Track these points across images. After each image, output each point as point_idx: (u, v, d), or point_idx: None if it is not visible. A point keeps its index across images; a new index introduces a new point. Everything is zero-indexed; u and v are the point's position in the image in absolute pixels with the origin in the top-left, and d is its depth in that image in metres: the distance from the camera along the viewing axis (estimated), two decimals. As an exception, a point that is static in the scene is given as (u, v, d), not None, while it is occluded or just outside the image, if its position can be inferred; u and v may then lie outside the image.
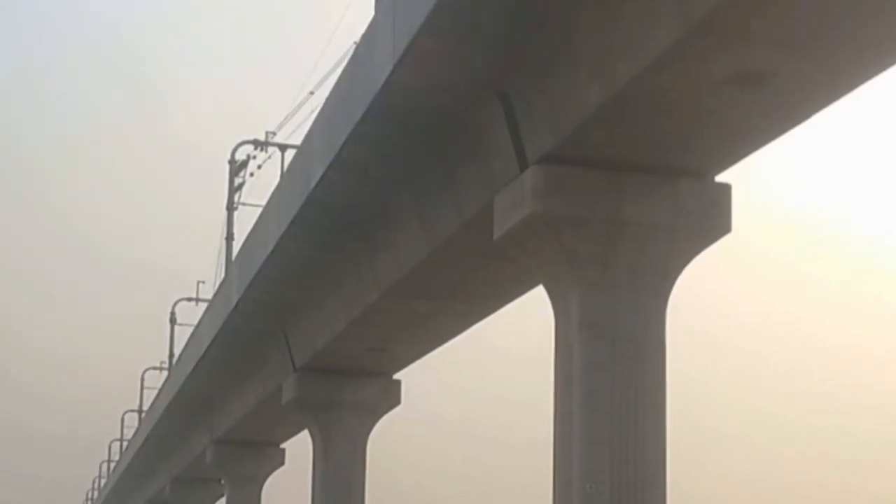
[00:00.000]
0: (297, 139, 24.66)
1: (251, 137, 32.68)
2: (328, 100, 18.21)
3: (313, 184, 18.74)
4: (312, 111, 24.81)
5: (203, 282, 47.67)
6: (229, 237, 33.47)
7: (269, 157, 32.43)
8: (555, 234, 14.27)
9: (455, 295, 20.89)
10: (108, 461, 79.49)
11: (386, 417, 27.85)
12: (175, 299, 53.23)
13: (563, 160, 14.14)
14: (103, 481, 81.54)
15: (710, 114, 13.16)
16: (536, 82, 13.88)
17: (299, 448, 34.49)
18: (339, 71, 17.93)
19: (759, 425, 56.71)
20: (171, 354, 52.47)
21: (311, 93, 26.34)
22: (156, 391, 50.41)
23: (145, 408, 59.53)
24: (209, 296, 35.39)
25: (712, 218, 14.83)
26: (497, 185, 15.26)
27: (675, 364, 14.64)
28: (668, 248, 14.57)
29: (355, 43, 17.41)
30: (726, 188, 15.00)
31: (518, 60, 13.79)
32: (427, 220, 18.18)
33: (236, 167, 32.86)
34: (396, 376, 27.25)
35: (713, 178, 14.93)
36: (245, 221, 31.67)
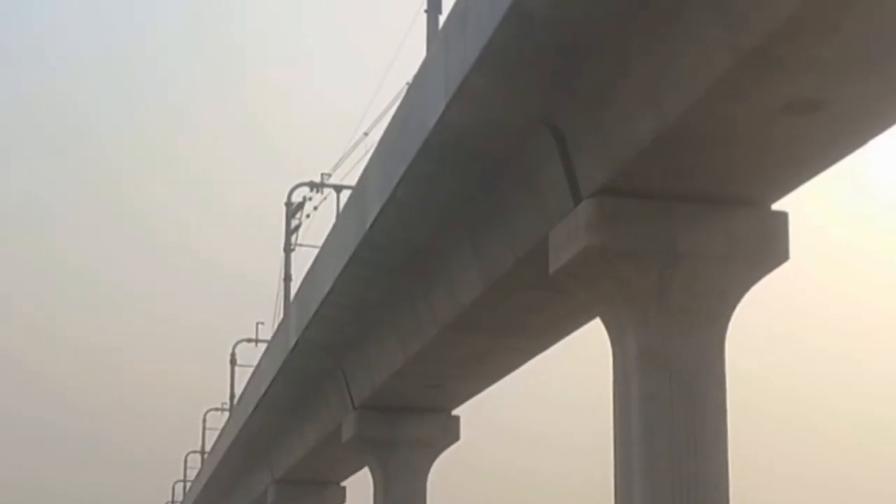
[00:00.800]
0: (352, 180, 24.93)
1: (307, 180, 33.16)
2: (382, 140, 18.43)
3: (369, 223, 18.94)
4: (367, 152, 25.12)
5: (262, 323, 48.07)
6: (287, 278, 33.81)
7: (325, 199, 32.85)
8: (610, 267, 14.32)
9: (512, 330, 20.95)
10: (172, 502, 80.00)
11: (446, 453, 27.91)
12: (235, 341, 53.72)
13: (617, 192, 14.20)
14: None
15: (766, 142, 13.18)
16: (588, 115, 13.98)
17: (360, 486, 34.61)
18: (393, 111, 18.16)
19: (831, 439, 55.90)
20: (232, 395, 52.84)
21: (365, 134, 26.71)
22: (218, 432, 50.77)
23: (207, 448, 59.92)
24: (268, 336, 35.68)
25: (769, 246, 14.80)
26: (551, 219, 15.35)
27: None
28: (725, 278, 14.56)
29: (407, 83, 17.65)
30: (783, 216, 14.97)
31: (569, 93, 13.90)
32: (482, 256, 18.29)
33: (293, 209, 33.27)
34: (455, 412, 27.30)
35: (769, 207, 14.91)
36: (302, 262, 32.04)
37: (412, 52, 19.83)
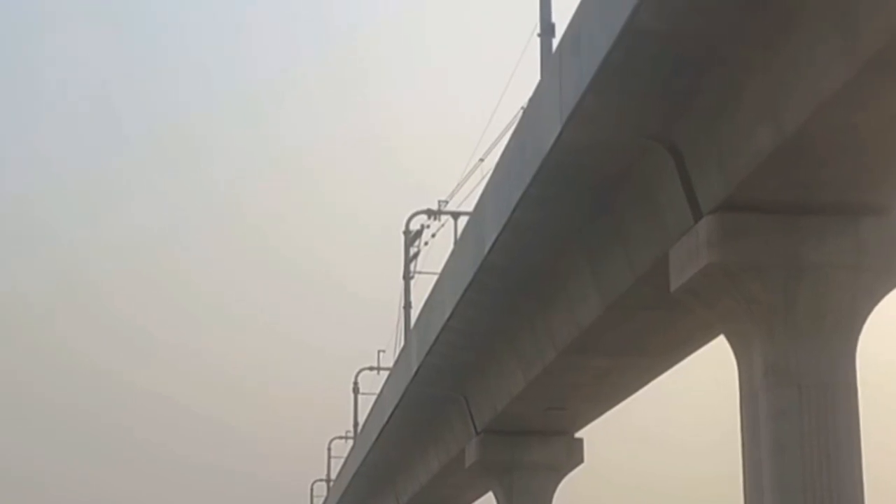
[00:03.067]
0: (469, 206, 25.09)
1: (424, 207, 33.45)
2: (498, 165, 18.54)
3: (487, 248, 19.04)
4: (483, 178, 25.22)
5: (383, 351, 48.45)
6: (407, 306, 34.11)
7: (443, 226, 33.10)
8: (734, 283, 14.16)
9: (633, 350, 20.82)
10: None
11: (571, 476, 27.79)
12: (357, 369, 54.23)
13: (738, 207, 14.06)
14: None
15: (890, 148, 12.94)
16: (706, 130, 13.89)
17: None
18: (508, 136, 18.27)
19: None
20: (356, 423, 53.29)
21: (481, 160, 26.87)
22: (342, 460, 51.23)
23: (333, 476, 60.48)
24: (390, 364, 35.98)
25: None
26: (670, 237, 15.26)
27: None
28: (854, 289, 14.28)
29: (522, 107, 17.74)
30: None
31: (685, 109, 13.84)
32: (600, 277, 18.24)
33: (411, 237, 33.57)
34: (578, 434, 27.19)
35: (897, 214, 14.61)
36: (421, 290, 32.27)
37: (526, 77, 19.91)
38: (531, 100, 16.38)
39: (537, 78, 16.78)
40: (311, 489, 73.04)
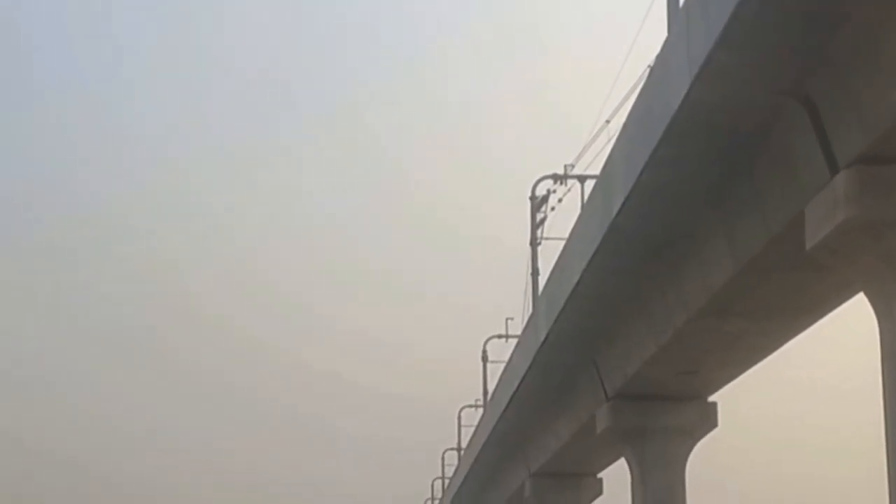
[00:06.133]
0: (596, 169, 24.82)
1: (550, 172, 33.21)
2: (625, 126, 18.29)
3: (615, 211, 18.83)
4: (609, 140, 24.93)
5: (511, 318, 48.49)
6: (534, 272, 33.98)
7: (569, 190, 32.85)
8: (874, 238, 13.75)
9: (767, 311, 20.42)
10: (432, 499, 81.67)
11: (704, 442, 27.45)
12: (485, 338, 54.38)
13: (877, 160, 13.62)
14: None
15: None
16: (841, 82, 13.47)
17: (617, 478, 34.41)
18: (634, 97, 18.00)
19: None
20: (485, 392, 53.54)
21: (607, 121, 26.52)
22: (472, 428, 51.50)
23: (463, 445, 60.88)
24: (518, 332, 35.96)
25: None
26: (806, 193, 14.88)
27: None
28: None
29: (649, 66, 17.45)
30: None
31: (819, 62, 13.44)
32: (733, 237, 17.91)
33: (537, 202, 33.39)
34: (712, 398, 26.83)
35: None
36: (548, 256, 32.12)
37: (652, 33, 19.59)
38: (658, 57, 16.11)
39: (664, 34, 16.47)
40: (443, 458, 73.72)
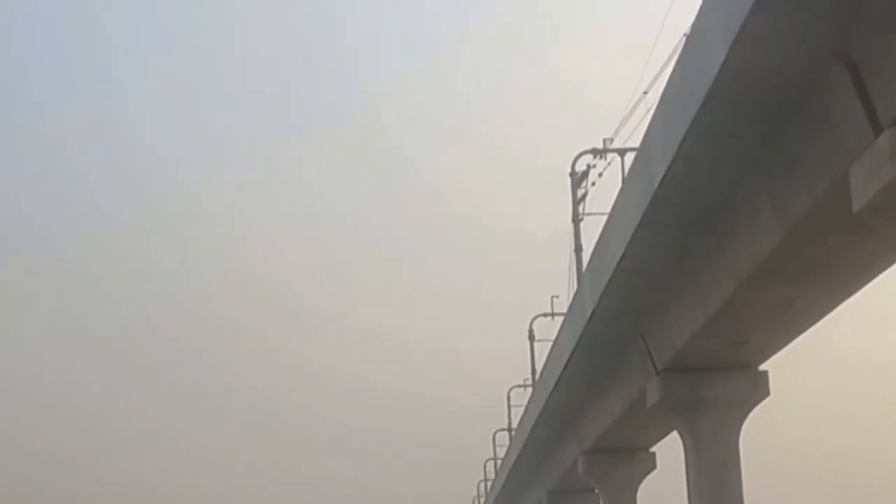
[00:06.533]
0: (635, 142, 24.68)
1: (589, 147, 32.98)
2: (663, 96, 18.17)
3: (657, 183, 18.71)
4: (648, 111, 24.80)
5: (557, 296, 48.39)
6: (578, 248, 33.82)
7: (609, 164, 32.65)
8: (922, 196, 13.59)
9: (816, 276, 20.24)
10: (485, 480, 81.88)
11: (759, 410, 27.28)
12: (531, 317, 54.33)
13: (921, 118, 13.46)
14: (482, 500, 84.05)
15: None
16: (882, 40, 13.30)
17: (670, 451, 34.30)
18: (671, 66, 17.87)
19: None
20: (533, 370, 53.55)
21: (645, 92, 26.32)
22: (522, 408, 51.56)
23: (514, 425, 60.97)
24: (564, 309, 35.89)
25: None
26: (849, 154, 14.72)
27: None
28: None
29: (685, 34, 17.31)
30: None
31: (860, 19, 13.27)
32: (778, 202, 17.75)
33: (577, 178, 33.20)
34: (763, 367, 26.66)
35: None
36: (591, 231, 32.00)
37: (687, 3, 19.43)
38: (694, 25, 15.97)
39: (699, 1, 16.32)
40: (494, 439, 73.84)
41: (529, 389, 53.90)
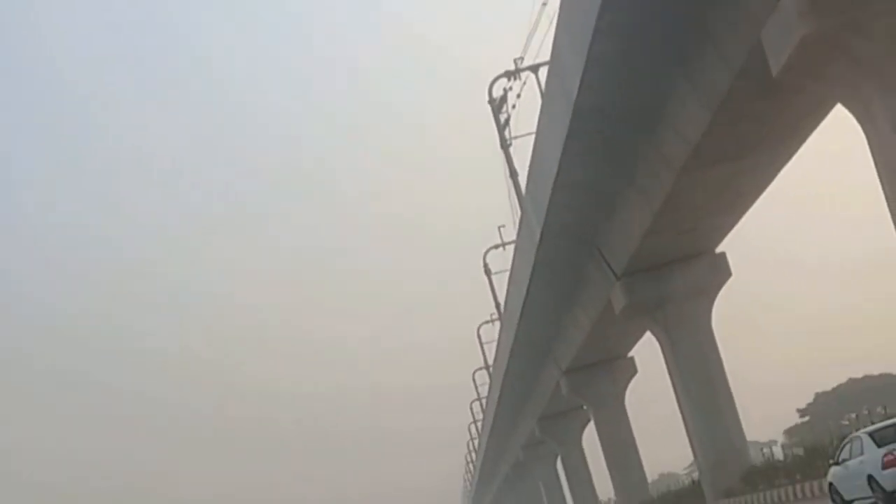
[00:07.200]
0: (546, 55, 24.25)
1: (501, 71, 32.48)
2: (562, 3, 17.82)
3: (575, 92, 18.43)
4: (551, 22, 24.31)
5: (503, 225, 47.90)
6: (513, 174, 33.38)
7: (525, 83, 32.16)
8: (837, 45, 13.41)
9: (749, 148, 20.12)
10: (474, 421, 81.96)
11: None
12: (483, 251, 53.79)
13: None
14: (475, 442, 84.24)
15: None
16: None
17: (647, 353, 34.31)
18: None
19: None
20: (497, 304, 53.20)
21: (544, 4, 25.78)
22: (494, 344, 51.39)
23: (490, 362, 60.86)
24: (513, 236, 35.56)
25: None
26: (758, 20, 14.50)
27: None
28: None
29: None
30: None
31: None
32: (698, 85, 17.55)
33: (497, 104, 32.73)
34: (720, 249, 26.59)
35: None
36: (522, 154, 31.50)
37: None
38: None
39: None
40: (473, 378, 73.75)
41: (498, 323, 53.69)
